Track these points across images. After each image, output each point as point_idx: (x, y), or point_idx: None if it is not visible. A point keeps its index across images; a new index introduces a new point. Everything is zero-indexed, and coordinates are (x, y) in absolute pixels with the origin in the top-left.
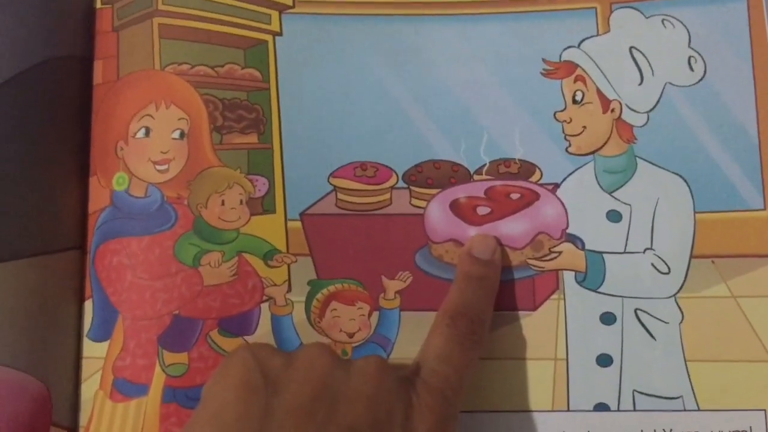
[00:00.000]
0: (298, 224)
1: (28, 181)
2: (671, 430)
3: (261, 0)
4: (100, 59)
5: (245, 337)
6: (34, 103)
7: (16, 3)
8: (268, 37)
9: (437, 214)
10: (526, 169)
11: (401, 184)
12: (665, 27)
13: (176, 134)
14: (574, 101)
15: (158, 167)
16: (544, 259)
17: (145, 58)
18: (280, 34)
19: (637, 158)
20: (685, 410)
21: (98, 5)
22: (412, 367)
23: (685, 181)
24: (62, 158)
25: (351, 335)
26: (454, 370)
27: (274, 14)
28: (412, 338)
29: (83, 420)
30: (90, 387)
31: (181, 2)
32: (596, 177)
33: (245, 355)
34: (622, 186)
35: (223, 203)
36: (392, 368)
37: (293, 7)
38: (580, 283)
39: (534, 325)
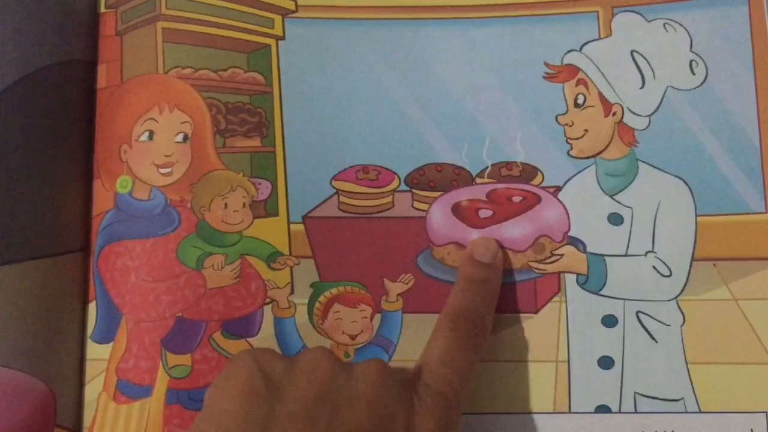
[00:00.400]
0: (301, 227)
1: (32, 184)
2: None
3: (264, 4)
4: (103, 63)
5: (248, 339)
6: (38, 106)
7: (21, 8)
8: (271, 42)
9: (439, 217)
10: (528, 172)
11: (403, 187)
12: (667, 31)
13: (179, 138)
14: (576, 105)
15: (161, 170)
16: (545, 261)
17: (149, 62)
18: (283, 38)
19: (638, 161)
20: (686, 412)
21: (102, 9)
22: (414, 370)
23: (687, 184)
24: (66, 161)
25: (353, 337)
26: (456, 373)
27: (277, 19)
28: (414, 340)
29: (87, 422)
30: (94, 389)
31: (184, 6)
32: (598, 180)
33: (247, 360)
34: (623, 189)
35: (226, 206)
36: (394, 371)
37: (296, 11)
38: (581, 285)
39: (535, 327)
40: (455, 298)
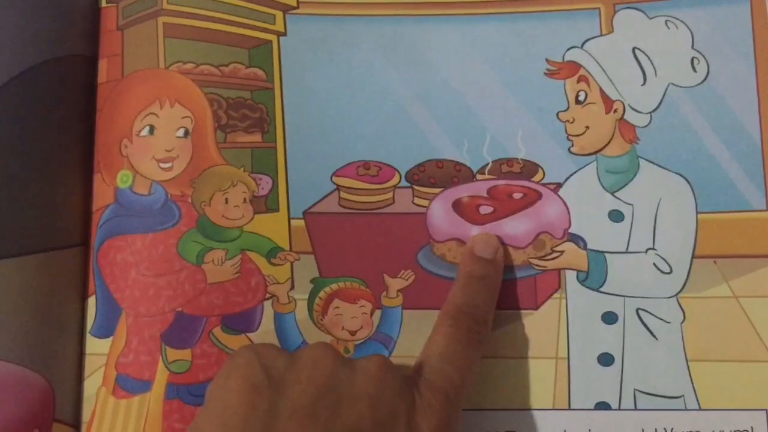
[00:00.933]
0: (301, 223)
1: (32, 178)
2: (672, 429)
3: (265, 0)
4: (104, 58)
5: (248, 335)
6: (39, 100)
7: (22, 2)
8: (273, 37)
9: (440, 214)
10: (529, 168)
11: (404, 183)
12: (668, 28)
13: (180, 132)
14: (577, 101)
15: (162, 165)
16: (546, 258)
17: (150, 56)
18: (285, 34)
19: (639, 158)
20: (686, 410)
21: (103, 4)
22: (415, 367)
23: (688, 181)
24: (66, 156)
25: (353, 333)
26: (457, 369)
27: (279, 14)
28: (415, 337)
29: (86, 416)
30: (93, 383)
31: (186, 1)
32: (598, 177)
33: (249, 355)
34: (624, 186)
35: (226, 201)
36: (395, 368)
37: (297, 7)
38: (581, 282)
39: (536, 324)
40: (456, 295)
